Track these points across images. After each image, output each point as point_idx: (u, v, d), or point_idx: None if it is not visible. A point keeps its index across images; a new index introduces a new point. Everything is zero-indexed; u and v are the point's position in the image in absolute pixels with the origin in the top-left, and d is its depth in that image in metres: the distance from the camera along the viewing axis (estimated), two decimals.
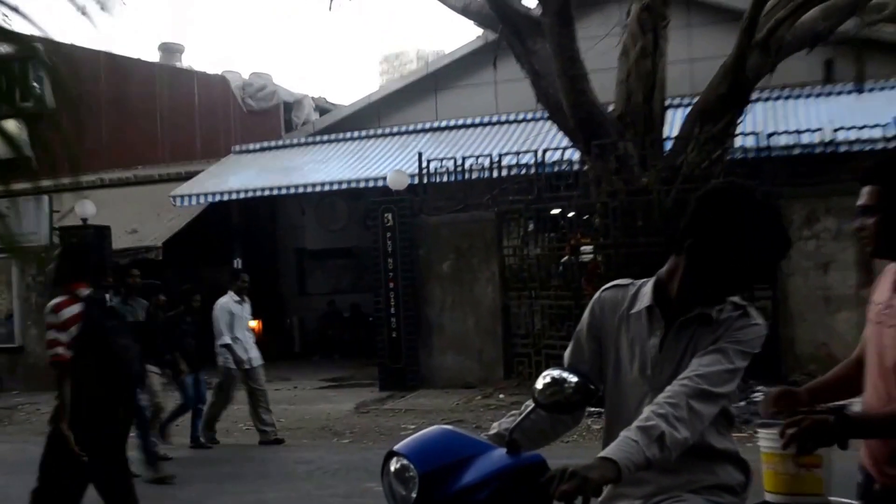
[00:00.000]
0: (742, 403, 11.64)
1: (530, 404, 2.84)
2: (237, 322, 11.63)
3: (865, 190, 2.91)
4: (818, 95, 16.88)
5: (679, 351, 2.87)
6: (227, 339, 11.37)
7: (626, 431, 2.61)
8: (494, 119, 19.61)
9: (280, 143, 21.84)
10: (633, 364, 2.95)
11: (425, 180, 16.11)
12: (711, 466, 2.81)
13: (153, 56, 25.90)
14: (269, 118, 22.70)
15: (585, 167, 13.55)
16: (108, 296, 9.15)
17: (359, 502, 8.20)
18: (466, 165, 15.89)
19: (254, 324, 21.97)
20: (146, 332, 9.62)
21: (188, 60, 26.66)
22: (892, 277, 3.09)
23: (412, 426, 11.87)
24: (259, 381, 11.72)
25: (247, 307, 11.98)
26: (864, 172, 2.95)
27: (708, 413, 2.69)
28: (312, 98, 23.97)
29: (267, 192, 19.14)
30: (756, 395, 11.90)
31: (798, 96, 16.86)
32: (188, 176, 20.83)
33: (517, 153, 15.71)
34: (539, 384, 2.74)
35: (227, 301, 11.79)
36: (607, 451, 2.59)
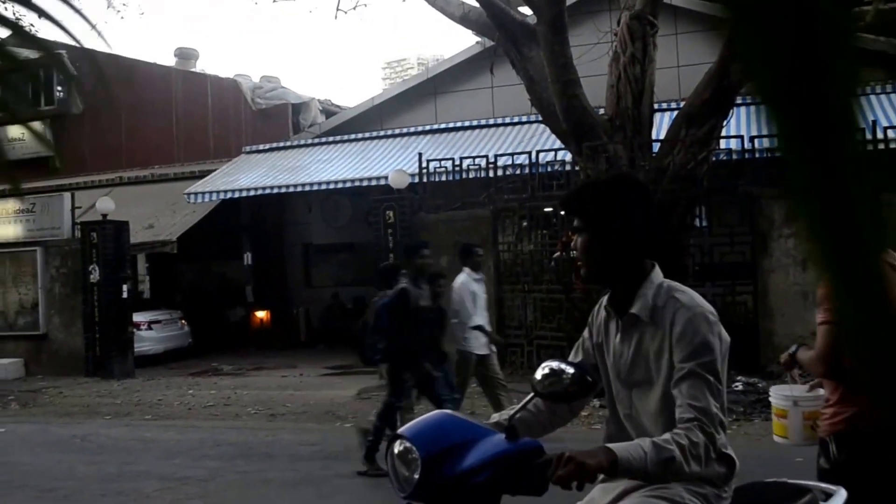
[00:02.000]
0: None
1: (531, 394, 2.81)
2: (479, 302, 9.92)
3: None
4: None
5: (632, 350, 2.84)
6: (477, 321, 9.76)
7: (642, 440, 2.57)
8: (491, 122, 19.58)
9: (288, 143, 21.78)
10: (611, 369, 2.93)
11: (425, 179, 16.09)
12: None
13: (169, 61, 25.85)
14: (277, 120, 22.62)
15: (577, 168, 13.52)
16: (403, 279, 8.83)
17: (360, 482, 8.18)
18: (464, 165, 15.88)
19: (262, 314, 22.06)
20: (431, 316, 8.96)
21: (202, 65, 26.62)
22: None
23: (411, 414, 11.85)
24: (496, 367, 10.13)
25: (483, 286, 10.18)
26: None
27: (720, 438, 2.65)
28: (319, 101, 23.89)
29: (275, 190, 19.10)
30: (736, 385, 11.89)
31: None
32: (201, 174, 20.81)
33: (512, 154, 15.69)
34: (538, 374, 2.71)
35: (467, 280, 9.85)
36: (613, 445, 2.56)
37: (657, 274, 2.84)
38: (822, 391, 3.99)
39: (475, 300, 9.80)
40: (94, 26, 1.00)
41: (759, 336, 13.14)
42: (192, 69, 25.29)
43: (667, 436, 2.56)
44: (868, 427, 3.59)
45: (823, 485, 3.43)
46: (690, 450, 2.54)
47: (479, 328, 9.76)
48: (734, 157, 14.09)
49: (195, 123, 22.95)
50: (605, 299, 3.01)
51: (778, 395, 4.32)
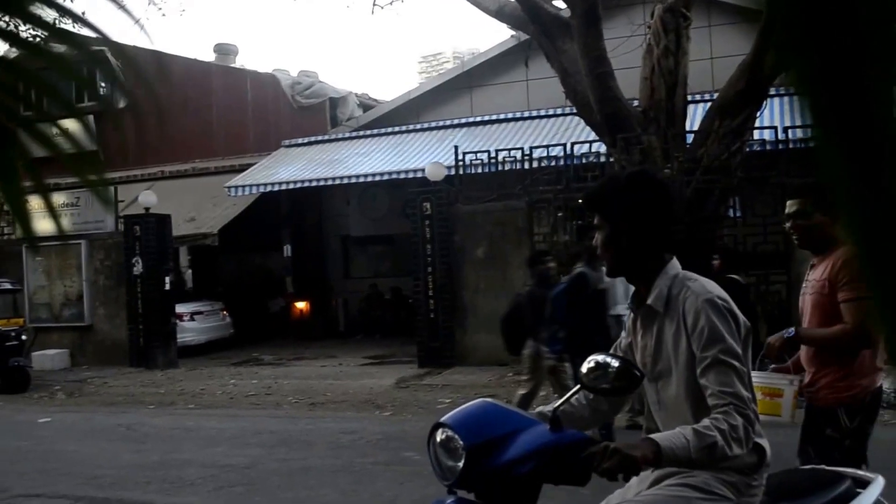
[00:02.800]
0: None
1: (576, 386, 2.82)
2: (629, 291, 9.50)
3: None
4: None
5: (654, 342, 2.87)
6: (621, 309, 9.38)
7: (683, 429, 2.58)
8: (526, 114, 19.53)
9: (326, 137, 21.88)
10: (640, 364, 2.94)
11: (461, 172, 16.11)
12: None
13: (208, 57, 26.00)
14: (315, 114, 22.71)
15: (611, 159, 13.47)
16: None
17: (398, 469, 8.23)
18: (499, 158, 15.87)
19: (302, 304, 22.24)
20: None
21: (241, 61, 26.75)
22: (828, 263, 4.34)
23: (448, 400, 11.90)
24: None
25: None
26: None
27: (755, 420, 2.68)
28: (356, 95, 23.96)
29: (314, 184, 19.20)
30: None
31: None
32: (241, 168, 20.97)
33: (547, 146, 15.66)
34: (584, 368, 2.72)
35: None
36: (655, 435, 2.59)
37: (673, 266, 2.87)
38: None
39: (627, 289, 9.50)
40: (136, 20, 1.04)
41: (793, 323, 13.03)
42: (232, 65, 25.47)
43: (706, 422, 2.58)
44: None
45: (860, 472, 3.41)
46: (731, 433, 2.56)
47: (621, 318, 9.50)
48: (767, 147, 13.96)
49: (235, 118, 23.12)
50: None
51: (772, 376, 4.61)
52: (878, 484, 3.26)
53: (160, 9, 29.32)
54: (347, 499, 7.49)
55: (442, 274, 15.39)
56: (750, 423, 2.62)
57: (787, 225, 4.52)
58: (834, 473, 3.31)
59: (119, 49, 0.95)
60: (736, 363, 2.66)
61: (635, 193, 2.87)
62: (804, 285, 4.70)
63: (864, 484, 3.26)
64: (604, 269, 5.71)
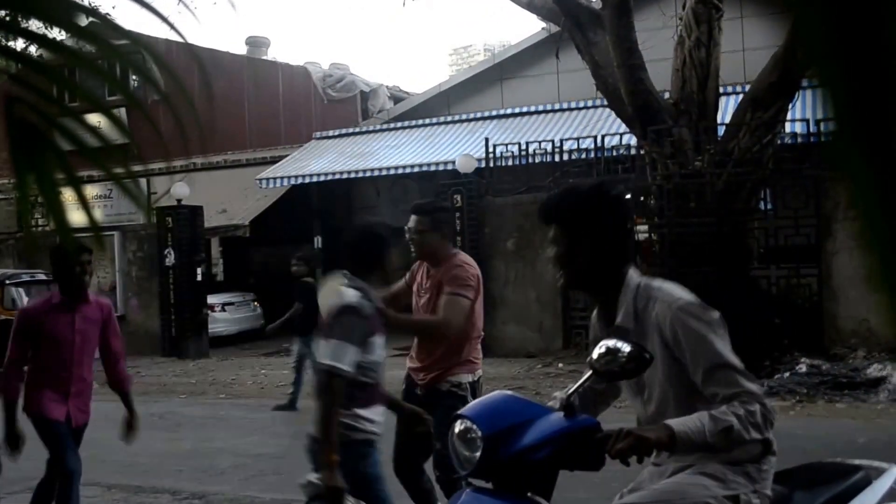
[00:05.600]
0: (786, 375, 11.52)
1: (589, 372, 2.86)
2: None
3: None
4: None
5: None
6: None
7: (699, 414, 2.61)
8: (557, 106, 19.50)
9: (357, 129, 21.96)
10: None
11: (492, 164, 16.13)
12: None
13: (240, 49, 26.18)
14: (346, 106, 22.81)
15: (642, 151, 13.45)
16: None
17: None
18: (530, 150, 15.87)
19: None
20: None
21: (273, 53, 26.92)
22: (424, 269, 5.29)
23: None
24: None
25: None
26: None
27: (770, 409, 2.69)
28: (387, 87, 24.03)
29: (345, 176, 19.30)
30: (800, 366, 11.75)
31: None
32: (273, 160, 21.11)
33: (578, 138, 15.64)
34: (595, 353, 2.75)
35: None
36: (670, 421, 2.61)
37: (633, 277, 2.86)
38: None
39: None
40: (165, 19, 1.07)
41: (822, 318, 12.96)
42: (263, 57, 25.61)
43: (722, 408, 2.60)
44: None
45: (876, 462, 3.43)
46: (748, 418, 2.58)
47: None
48: (799, 140, 13.87)
49: (266, 110, 23.27)
50: (596, 310, 3.06)
51: None
52: (892, 473, 3.28)
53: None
54: None
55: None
56: (767, 410, 2.64)
57: (407, 237, 5.42)
58: (850, 465, 3.33)
59: (150, 42, 0.98)
60: (731, 362, 2.69)
61: (594, 207, 2.87)
62: (417, 289, 5.52)
63: (879, 472, 3.28)
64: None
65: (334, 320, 3.95)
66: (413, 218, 5.37)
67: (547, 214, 2.95)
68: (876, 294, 0.63)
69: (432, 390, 5.29)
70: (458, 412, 2.90)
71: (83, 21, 1.01)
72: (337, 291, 4.09)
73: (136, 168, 1.10)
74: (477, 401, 3.01)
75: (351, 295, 3.99)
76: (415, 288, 5.56)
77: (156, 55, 1.03)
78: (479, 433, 2.74)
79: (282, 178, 19.81)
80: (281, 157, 21.11)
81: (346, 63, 25.94)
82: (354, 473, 3.93)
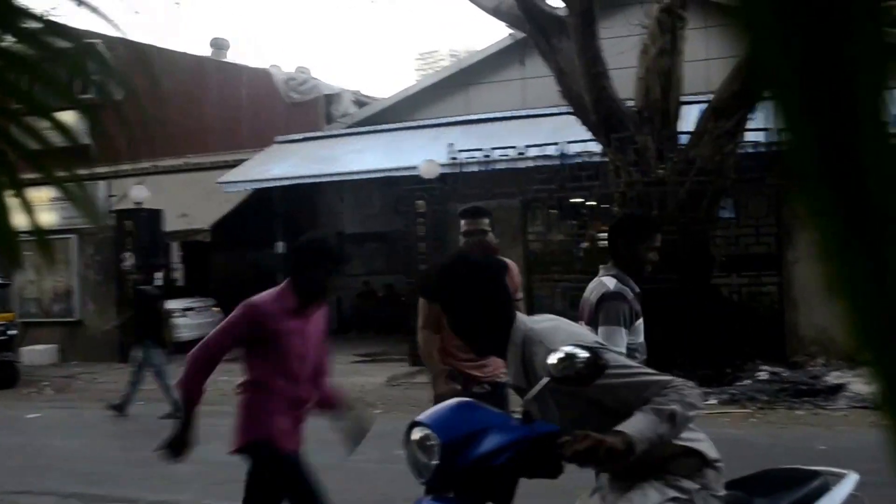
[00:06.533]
0: (747, 382, 11.64)
1: (546, 379, 2.88)
2: None
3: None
4: None
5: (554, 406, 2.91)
6: None
7: (640, 411, 2.66)
8: (521, 113, 19.56)
9: (320, 133, 21.89)
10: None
11: (456, 170, 16.15)
12: (665, 460, 2.82)
13: (203, 51, 26.03)
14: (310, 110, 22.73)
15: (606, 159, 13.53)
16: None
17: (390, 467, 8.26)
18: (494, 156, 15.92)
19: None
20: None
21: (236, 56, 26.78)
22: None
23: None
24: None
25: None
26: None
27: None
28: (351, 92, 24.00)
29: (308, 180, 19.23)
30: (760, 374, 11.89)
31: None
32: (235, 164, 20.97)
33: (542, 145, 15.71)
34: (553, 359, 2.77)
35: None
36: (620, 426, 2.64)
37: (518, 329, 2.93)
38: None
39: None
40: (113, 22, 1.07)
41: (783, 326, 13.13)
42: (226, 59, 25.47)
43: (659, 399, 2.67)
44: None
45: (835, 469, 3.49)
46: (683, 399, 2.67)
47: None
48: (761, 149, 14.02)
49: (228, 113, 23.13)
50: None
51: None
52: (852, 479, 3.34)
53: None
54: (339, 497, 7.48)
55: None
56: (691, 387, 2.74)
57: (466, 240, 5.46)
58: (808, 471, 3.38)
59: (120, 41, 0.98)
60: (631, 371, 2.77)
61: (466, 284, 2.98)
62: None
63: (838, 478, 3.34)
64: None
65: (601, 308, 4.12)
66: (473, 220, 5.49)
67: (428, 294, 3.12)
68: (833, 302, 0.64)
69: (495, 384, 5.33)
70: (416, 419, 2.91)
71: (27, 23, 1.01)
72: (599, 282, 4.27)
73: (85, 171, 1.09)
74: (435, 408, 3.02)
75: (613, 284, 4.16)
76: None
77: (100, 57, 1.02)
78: (438, 440, 2.75)
79: (244, 181, 19.70)
80: (243, 161, 20.98)
81: (310, 67, 25.87)
82: None
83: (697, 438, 2.86)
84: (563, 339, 2.81)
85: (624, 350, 3.97)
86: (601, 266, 4.40)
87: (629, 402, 2.72)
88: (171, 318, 18.52)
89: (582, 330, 2.91)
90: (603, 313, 4.10)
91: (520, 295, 5.43)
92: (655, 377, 2.74)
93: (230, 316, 4.68)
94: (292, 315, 4.60)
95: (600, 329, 4.05)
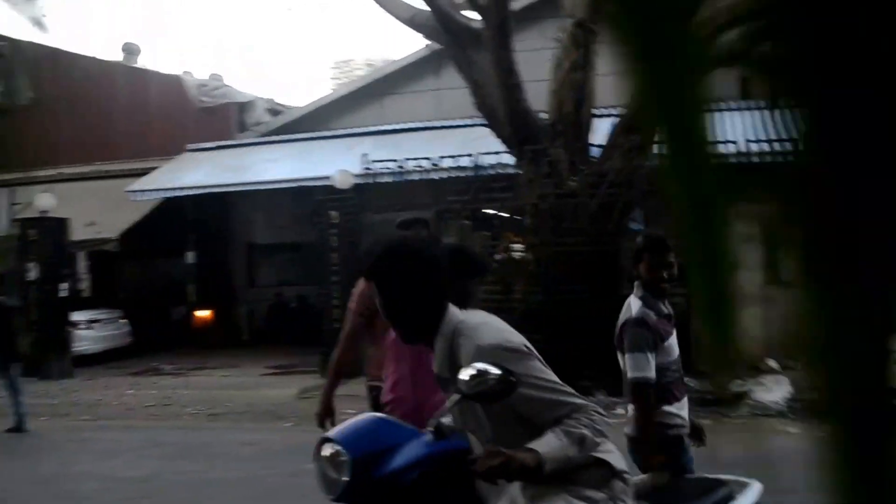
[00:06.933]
0: None
1: (458, 396, 2.86)
2: None
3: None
4: (734, 110, 17.05)
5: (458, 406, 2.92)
6: None
7: (551, 432, 2.66)
8: (436, 124, 19.61)
9: (233, 142, 21.63)
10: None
11: (370, 180, 16.11)
12: (576, 471, 2.82)
13: (114, 56, 25.49)
14: (222, 118, 22.42)
15: (519, 171, 13.64)
16: None
17: (300, 482, 8.16)
18: (408, 167, 15.92)
19: (205, 313, 21.92)
20: None
21: (147, 61, 26.29)
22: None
23: (351, 411, 11.82)
24: None
25: None
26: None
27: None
28: (264, 100, 23.76)
29: (220, 189, 18.97)
30: None
31: (715, 109, 16.92)
32: (144, 172, 20.57)
33: (456, 156, 15.77)
34: (464, 375, 2.76)
35: None
36: (534, 443, 2.64)
37: (450, 319, 2.92)
38: None
39: None
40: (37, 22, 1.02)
41: (690, 337, 13.37)
42: (136, 65, 24.99)
43: (569, 421, 2.69)
44: None
45: (741, 478, 3.55)
46: (593, 425, 2.70)
47: None
48: None
49: (139, 120, 22.65)
50: None
51: None
52: (755, 489, 3.41)
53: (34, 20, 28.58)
54: None
55: (348, 282, 15.33)
56: (602, 416, 2.77)
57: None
58: (715, 480, 3.44)
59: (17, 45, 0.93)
60: (553, 386, 2.76)
61: (399, 264, 2.97)
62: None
63: (743, 489, 3.40)
64: None
65: (625, 334, 4.29)
66: (412, 231, 5.57)
67: (366, 272, 3.12)
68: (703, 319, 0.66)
69: None
70: (327, 435, 2.87)
71: None
72: (627, 304, 4.41)
73: None
74: (346, 423, 2.97)
75: (637, 308, 4.30)
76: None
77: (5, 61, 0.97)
78: (348, 457, 2.71)
79: (154, 190, 19.35)
80: (153, 169, 20.60)
81: (223, 74, 25.52)
82: (672, 467, 4.13)
83: (607, 450, 2.88)
84: (491, 335, 2.82)
85: (652, 375, 4.16)
86: (634, 284, 4.50)
87: (542, 416, 2.73)
88: (75, 330, 18.11)
89: (509, 329, 2.88)
90: (627, 340, 4.26)
91: None
92: (572, 399, 2.75)
93: None
94: None
95: (627, 355, 4.25)
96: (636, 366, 4.19)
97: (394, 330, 3.09)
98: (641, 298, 4.36)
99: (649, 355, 4.20)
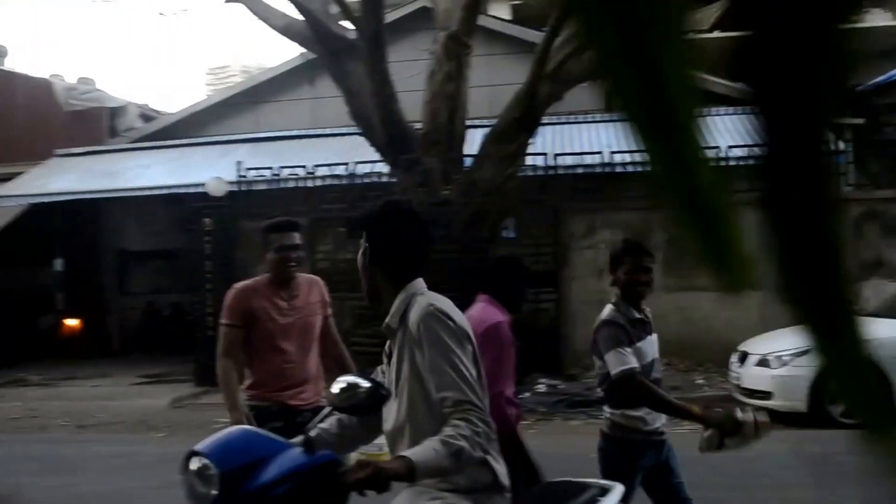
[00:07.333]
0: (527, 395, 12.07)
1: (328, 408, 2.88)
2: None
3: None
4: (599, 122, 17.54)
5: (394, 359, 3.01)
6: None
7: (430, 440, 2.68)
8: (311, 132, 19.52)
9: (104, 148, 21.01)
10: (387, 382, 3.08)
11: (244, 188, 15.92)
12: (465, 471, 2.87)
13: None
14: (93, 123, 21.74)
15: (393, 179, 13.71)
16: None
17: (173, 493, 8.01)
18: (283, 175, 15.80)
19: (74, 322, 21.22)
20: None
21: (15, 64, 25.29)
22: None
23: (225, 420, 11.68)
24: None
25: None
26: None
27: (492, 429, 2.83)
28: (137, 105, 23.16)
29: (90, 195, 18.39)
30: (539, 386, 12.36)
31: (582, 122, 17.44)
32: (11, 177, 19.79)
33: (331, 165, 15.73)
34: (335, 388, 2.79)
35: None
36: (406, 452, 2.68)
37: (413, 286, 3.02)
38: None
39: None
40: None
41: (560, 341, 13.71)
42: (3, 67, 24.03)
43: (450, 430, 2.70)
44: None
45: (603, 481, 3.67)
46: (474, 438, 2.70)
47: None
48: (539, 173, 14.63)
49: (4, 124, 21.78)
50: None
51: None
52: (617, 492, 3.53)
53: None
54: None
55: (222, 291, 15.09)
56: (489, 427, 2.79)
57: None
58: (579, 484, 3.54)
59: None
60: (464, 371, 2.80)
61: (395, 221, 3.08)
62: (287, 308, 5.17)
63: (605, 491, 3.52)
64: None
65: (597, 339, 4.43)
66: (286, 234, 5.19)
67: (357, 224, 3.19)
68: None
69: (316, 410, 5.17)
70: (194, 448, 2.85)
71: None
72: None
73: None
74: (214, 436, 2.95)
75: (607, 312, 4.47)
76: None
77: None
78: (216, 470, 2.70)
79: (20, 196, 18.64)
80: (19, 174, 19.83)
81: (94, 78, 24.71)
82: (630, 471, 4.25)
83: (494, 461, 2.93)
84: (444, 303, 2.93)
85: (636, 364, 4.27)
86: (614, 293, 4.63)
87: (437, 392, 2.77)
88: None
89: (462, 316, 2.95)
90: (602, 342, 4.38)
91: (330, 311, 5.39)
92: (468, 393, 2.75)
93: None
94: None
95: (605, 357, 4.35)
96: (616, 361, 4.28)
97: (365, 287, 3.12)
98: (614, 304, 4.49)
99: (626, 349, 4.29)
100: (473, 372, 2.82)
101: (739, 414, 4.08)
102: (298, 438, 2.91)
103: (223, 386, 5.16)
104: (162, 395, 14.29)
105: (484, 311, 4.62)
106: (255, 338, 5.11)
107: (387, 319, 2.99)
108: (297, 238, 5.16)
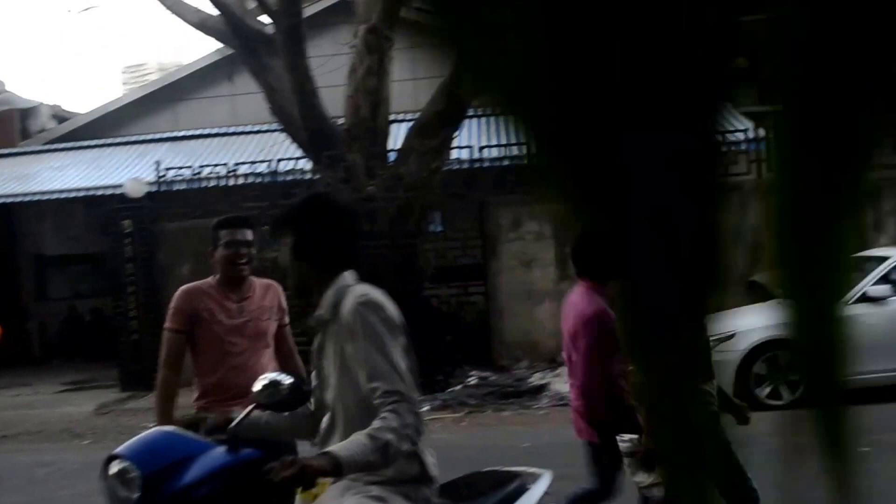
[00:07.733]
0: (458, 388, 12.09)
1: (251, 405, 2.83)
2: None
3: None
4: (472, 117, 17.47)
5: (323, 352, 2.99)
6: None
7: (357, 434, 2.65)
8: (231, 130, 19.25)
9: (15, 150, 20.44)
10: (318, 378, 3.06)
11: (164, 188, 15.62)
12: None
13: None
14: (4, 125, 21.16)
15: (317, 176, 13.59)
16: None
17: (99, 500, 7.83)
18: (204, 174, 15.55)
19: None
20: None
21: None
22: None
23: (152, 424, 11.45)
24: None
25: None
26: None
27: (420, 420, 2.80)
28: (49, 106, 22.58)
29: (3, 200, 17.89)
30: (470, 379, 12.39)
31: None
32: None
33: (252, 163, 15.54)
34: (258, 385, 2.74)
35: None
36: (333, 447, 2.65)
37: (344, 278, 2.99)
38: None
39: None
40: None
41: (490, 333, 13.75)
42: None
43: (378, 423, 2.67)
44: None
45: (532, 469, 3.66)
46: (402, 430, 2.67)
47: None
48: (465, 166, 14.64)
49: None
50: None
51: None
52: (546, 478, 3.53)
53: None
54: None
55: (145, 293, 14.83)
56: (419, 419, 2.77)
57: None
58: (509, 473, 3.53)
59: None
60: (396, 362, 2.78)
61: (319, 213, 3.04)
62: (235, 310, 4.71)
63: (535, 478, 3.52)
64: None
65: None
66: (237, 230, 4.75)
67: (283, 220, 3.10)
68: None
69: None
70: (114, 452, 2.77)
71: None
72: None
73: None
74: (134, 439, 2.88)
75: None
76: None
77: None
78: (138, 472, 2.63)
79: None
80: None
81: (3, 80, 24.07)
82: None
83: (423, 452, 2.91)
84: (375, 293, 2.88)
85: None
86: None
87: (367, 381, 2.74)
88: None
89: (393, 308, 2.91)
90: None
91: (287, 319, 4.99)
92: (398, 383, 2.72)
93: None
94: None
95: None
96: None
97: (293, 283, 3.08)
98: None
99: None
100: (405, 363, 2.80)
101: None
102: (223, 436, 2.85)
103: (158, 398, 4.72)
104: (86, 402, 13.97)
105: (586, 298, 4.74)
106: (201, 342, 4.66)
107: (317, 311, 2.94)
108: (248, 234, 4.73)
